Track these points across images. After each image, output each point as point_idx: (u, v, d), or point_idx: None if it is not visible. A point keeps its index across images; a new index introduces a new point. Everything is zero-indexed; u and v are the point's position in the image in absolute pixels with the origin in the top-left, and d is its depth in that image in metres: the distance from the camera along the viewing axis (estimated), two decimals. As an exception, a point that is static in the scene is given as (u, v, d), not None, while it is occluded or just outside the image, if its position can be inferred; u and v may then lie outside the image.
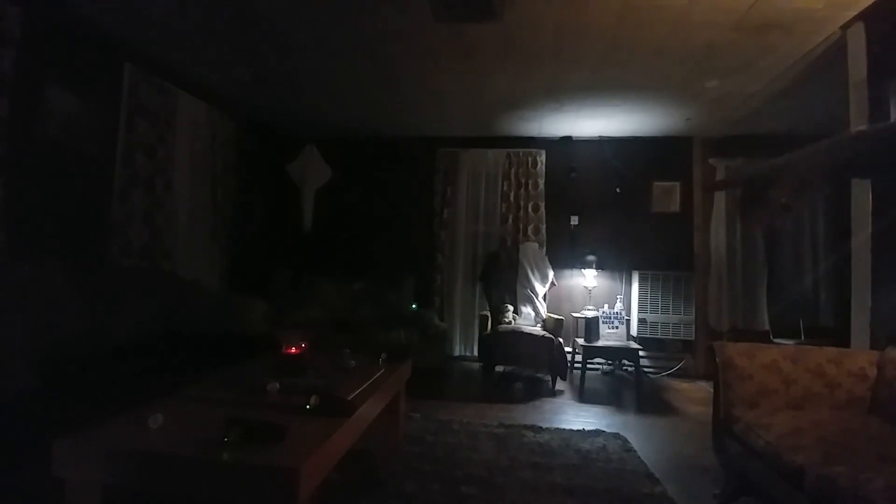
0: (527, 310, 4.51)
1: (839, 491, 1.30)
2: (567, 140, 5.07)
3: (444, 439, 2.74)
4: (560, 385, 4.09)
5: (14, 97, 2.47)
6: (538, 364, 4.07)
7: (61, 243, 2.85)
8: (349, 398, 1.65)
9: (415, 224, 5.23)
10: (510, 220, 5.04)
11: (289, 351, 1.98)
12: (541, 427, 3.00)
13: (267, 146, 5.15)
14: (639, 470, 2.41)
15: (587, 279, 4.71)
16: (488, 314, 4.48)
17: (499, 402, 3.63)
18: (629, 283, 4.94)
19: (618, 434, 2.93)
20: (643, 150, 4.97)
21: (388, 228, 5.29)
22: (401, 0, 2.61)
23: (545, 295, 4.65)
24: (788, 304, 4.57)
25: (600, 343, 4.12)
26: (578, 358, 4.28)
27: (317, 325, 3.97)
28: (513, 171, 5.08)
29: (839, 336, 3.22)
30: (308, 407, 1.51)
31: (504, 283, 4.62)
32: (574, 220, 5.07)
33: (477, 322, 4.66)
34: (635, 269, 4.88)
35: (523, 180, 5.06)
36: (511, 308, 4.46)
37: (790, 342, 4.21)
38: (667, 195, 4.96)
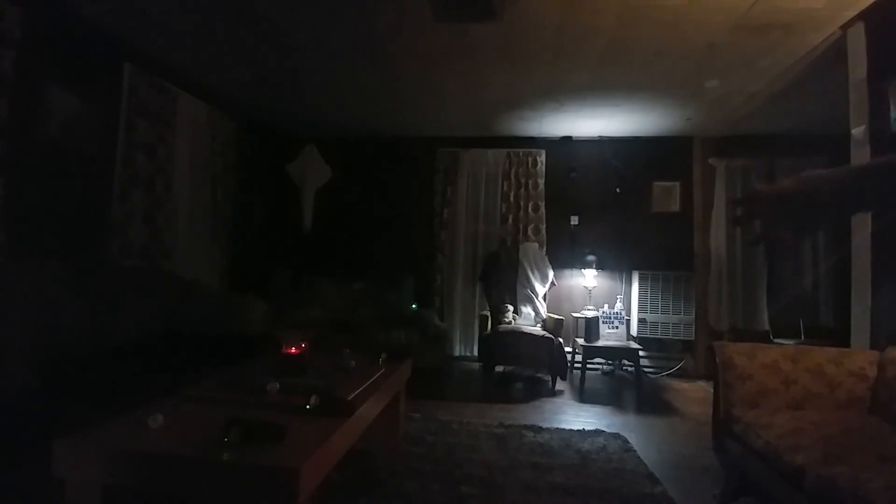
0: (527, 310, 4.51)
1: (839, 491, 1.30)
2: (567, 140, 5.07)
3: (444, 439, 2.74)
4: (560, 385, 4.09)
5: (14, 97, 2.47)
6: (538, 364, 4.07)
7: (61, 243, 2.85)
8: (349, 398, 1.65)
9: (415, 224, 5.23)
10: (510, 220, 5.04)
11: (289, 351, 1.98)
12: (541, 427, 3.00)
13: (267, 146, 5.15)
14: (639, 470, 2.41)
15: (587, 279, 4.71)
16: (488, 314, 4.49)
17: (499, 402, 3.63)
18: (629, 283, 4.94)
19: (618, 434, 2.93)
20: (643, 150, 4.97)
21: (388, 228, 5.29)
22: (401, 0, 2.61)
23: (545, 295, 4.65)
24: (788, 304, 4.58)
25: (600, 343, 4.12)
26: (578, 358, 4.28)
27: (317, 325, 3.96)
28: (513, 171, 5.08)
29: (839, 336, 3.23)
30: (308, 407, 1.51)
31: (504, 283, 4.62)
32: (574, 220, 5.07)
33: (477, 322, 4.66)
34: (635, 269, 4.88)
35: (523, 180, 5.06)
36: (511, 308, 4.46)
37: (790, 342, 4.21)
38: (667, 195, 4.96)
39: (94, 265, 2.99)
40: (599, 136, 5.00)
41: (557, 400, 3.76)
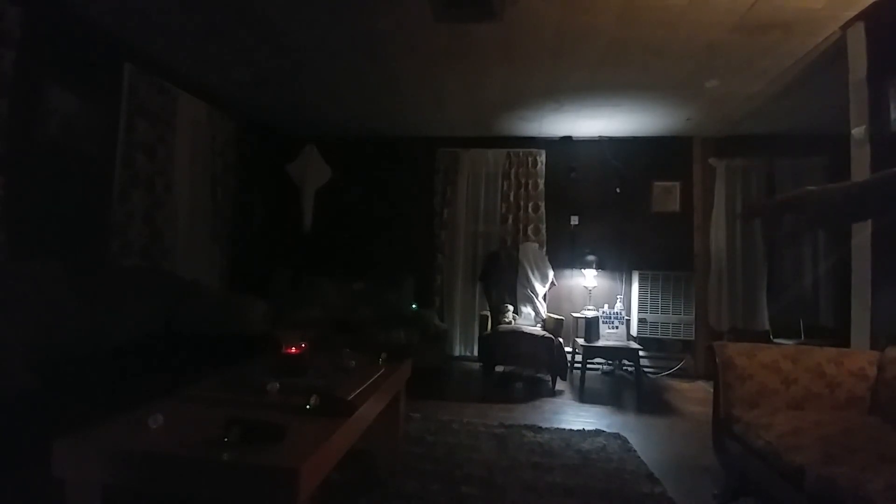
0: (527, 310, 4.51)
1: (839, 491, 1.30)
2: (567, 140, 5.07)
3: (444, 439, 2.74)
4: (560, 385, 4.09)
5: (14, 97, 2.47)
6: (538, 364, 4.07)
7: (61, 243, 2.85)
8: (349, 398, 1.65)
9: (415, 224, 5.23)
10: (510, 220, 5.04)
11: (289, 351, 1.97)
12: (541, 427, 3.00)
13: (267, 146, 5.15)
14: (639, 470, 2.41)
15: (587, 279, 4.71)
16: (488, 314, 4.49)
17: (499, 402, 3.63)
18: (629, 283, 4.94)
19: (618, 434, 2.93)
20: (643, 150, 4.97)
21: (388, 228, 5.29)
22: (401, 0, 2.61)
23: (545, 295, 4.65)
24: (788, 304, 4.58)
25: (600, 343, 4.12)
26: (578, 358, 4.28)
27: (317, 325, 3.97)
28: (513, 171, 5.08)
29: (839, 336, 3.22)
30: (308, 407, 1.51)
31: (504, 283, 4.62)
32: (574, 220, 5.07)
33: (477, 322, 4.66)
34: (635, 269, 4.88)
35: (523, 180, 5.06)
36: (511, 308, 4.46)
37: (790, 342, 4.21)
38: (667, 195, 4.96)
39: (94, 265, 2.99)
40: (599, 136, 5.00)
41: (557, 400, 3.76)
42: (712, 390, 2.18)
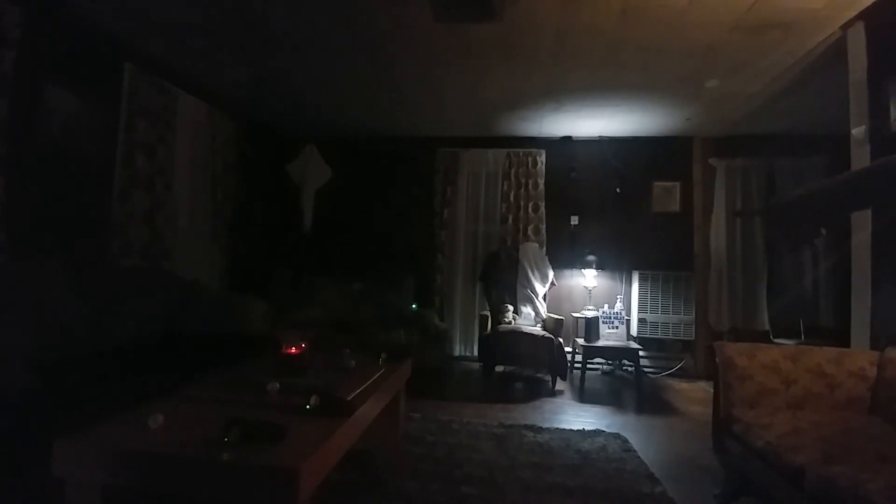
0: (527, 310, 4.51)
1: (839, 491, 1.30)
2: (567, 140, 5.07)
3: (444, 439, 2.74)
4: (560, 385, 4.09)
5: (14, 97, 2.47)
6: (538, 364, 4.07)
7: (61, 243, 2.85)
8: (349, 398, 1.65)
9: (415, 224, 5.23)
10: (510, 220, 5.04)
11: (289, 351, 1.97)
12: (541, 427, 3.00)
13: (267, 146, 5.15)
14: (639, 470, 2.41)
15: (587, 279, 4.71)
16: (488, 314, 4.49)
17: (499, 402, 3.63)
18: (629, 283, 4.94)
19: (618, 434, 2.93)
20: (643, 150, 4.97)
21: (388, 228, 5.29)
22: (401, 0, 2.61)
23: (545, 295, 4.65)
24: (788, 304, 4.58)
25: (600, 343, 4.12)
26: (578, 358, 4.28)
27: (317, 325, 3.96)
28: (513, 171, 5.08)
29: (839, 336, 3.22)
30: (308, 407, 1.51)
31: (504, 283, 4.62)
32: (574, 220, 5.07)
33: (477, 322, 4.66)
34: (635, 269, 4.88)
35: (523, 180, 5.06)
36: (511, 308, 4.46)
37: (790, 342, 4.21)
38: (667, 195, 4.96)
39: (94, 265, 2.99)
40: (599, 136, 5.00)
41: (557, 400, 3.76)
42: (712, 390, 2.18)
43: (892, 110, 2.31)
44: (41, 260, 2.55)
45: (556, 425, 3.08)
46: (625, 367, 4.69)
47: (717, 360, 2.10)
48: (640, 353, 4.04)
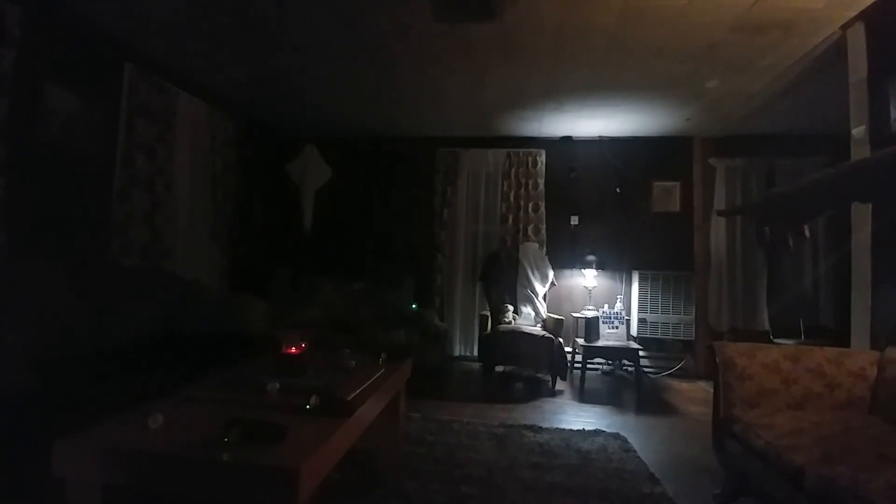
0: (527, 310, 4.51)
1: (839, 491, 1.30)
2: (567, 140, 5.07)
3: (444, 439, 2.74)
4: (560, 385, 4.09)
5: (14, 97, 2.47)
6: (538, 364, 4.07)
7: (61, 243, 2.85)
8: (349, 398, 1.65)
9: (415, 224, 5.23)
10: (510, 220, 5.04)
11: (289, 351, 1.97)
12: (541, 427, 3.00)
13: (267, 146, 5.15)
14: (639, 470, 2.41)
15: (587, 279, 4.71)
16: (488, 314, 4.49)
17: (499, 402, 3.63)
18: (629, 283, 4.94)
19: (618, 434, 2.93)
20: (643, 150, 4.97)
21: (388, 228, 5.29)
22: (401, 0, 2.61)
23: (545, 295, 4.65)
24: (788, 304, 4.58)
25: (600, 343, 4.12)
26: (578, 358, 4.28)
27: (317, 325, 3.96)
28: (513, 171, 5.08)
29: (839, 336, 3.23)
30: (308, 407, 1.51)
31: (504, 283, 4.62)
32: (574, 220, 5.07)
33: (477, 322, 4.66)
34: (635, 269, 4.88)
35: (523, 180, 5.06)
36: (511, 308, 4.46)
37: (790, 342, 4.21)
38: (667, 195, 4.96)
39: (94, 265, 2.99)
40: (599, 136, 5.00)
41: (557, 400, 3.76)
42: (712, 390, 2.18)
43: (892, 110, 2.31)
44: (41, 260, 2.55)
45: (556, 425, 3.08)
46: (625, 367, 4.69)
47: (717, 360, 2.10)
48: (640, 353, 4.04)
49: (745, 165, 4.79)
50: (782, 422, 1.76)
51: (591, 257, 4.71)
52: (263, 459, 1.18)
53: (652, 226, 4.96)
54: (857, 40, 2.57)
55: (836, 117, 2.79)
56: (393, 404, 2.21)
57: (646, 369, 4.62)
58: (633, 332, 4.74)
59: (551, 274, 4.69)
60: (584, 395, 3.89)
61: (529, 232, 5.00)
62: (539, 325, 4.39)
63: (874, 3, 2.45)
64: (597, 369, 4.71)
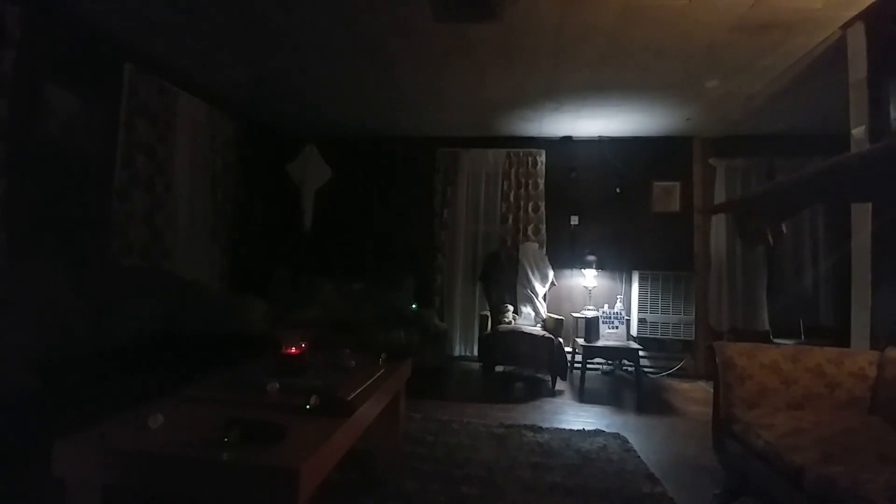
0: (527, 310, 4.51)
1: (839, 491, 1.30)
2: (567, 140, 5.07)
3: (444, 439, 2.74)
4: (560, 385, 4.09)
5: (14, 97, 2.47)
6: (538, 364, 4.07)
7: (61, 243, 2.85)
8: (349, 398, 1.65)
9: (415, 224, 5.23)
10: (510, 220, 5.04)
11: (289, 351, 1.97)
12: (541, 427, 3.00)
13: (267, 146, 5.15)
14: (639, 470, 2.41)
15: (587, 279, 4.71)
16: (488, 314, 4.49)
17: (499, 402, 3.63)
18: (629, 283, 4.94)
19: (618, 434, 2.93)
20: (643, 150, 4.97)
21: (388, 228, 5.29)
22: (401, 0, 2.61)
23: (545, 295, 4.65)
24: (788, 304, 4.58)
25: (600, 343, 4.12)
26: (578, 358, 4.28)
27: (317, 325, 3.96)
28: (513, 171, 5.08)
29: (839, 336, 3.22)
30: (308, 407, 1.51)
31: (504, 283, 4.62)
32: (574, 220, 5.07)
33: (477, 322, 4.66)
34: (635, 269, 4.88)
35: (523, 180, 5.06)
36: (511, 308, 4.46)
37: (790, 342, 4.21)
38: (667, 195, 4.96)
39: (94, 265, 2.99)
40: (599, 136, 5.00)
41: (557, 400, 3.76)
42: (712, 390, 2.18)
43: (892, 110, 2.31)
44: (41, 260, 2.55)
45: (556, 425, 3.08)
46: (625, 367, 4.69)
47: (717, 360, 2.10)
48: (640, 353, 4.04)
49: (745, 165, 4.78)
50: (782, 422, 1.76)
51: (591, 257, 4.71)
52: (263, 459, 1.18)
53: (652, 226, 4.96)
54: (857, 40, 2.57)
55: (836, 117, 2.79)
56: (393, 404, 2.21)
57: (646, 369, 4.62)
58: (633, 332, 4.74)
59: (551, 274, 4.69)
60: (584, 395, 3.89)
61: (529, 232, 5.00)
62: (539, 325, 4.39)
63: (874, 3, 2.45)
64: (597, 369, 4.71)
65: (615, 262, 4.93)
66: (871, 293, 2.46)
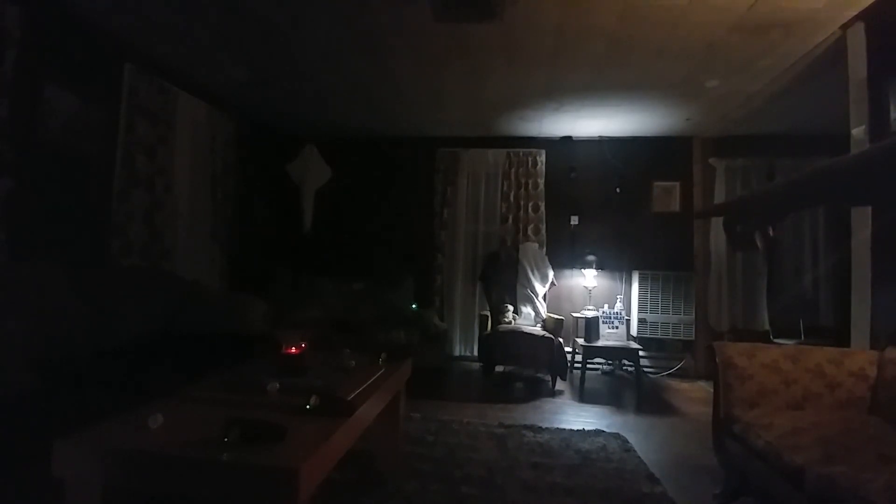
0: (527, 310, 4.51)
1: (839, 491, 1.30)
2: (567, 140, 5.07)
3: (444, 439, 2.74)
4: (560, 385, 4.09)
5: (14, 97, 2.47)
6: (538, 364, 4.07)
7: (61, 243, 2.85)
8: (349, 398, 1.65)
9: (415, 224, 5.23)
10: (510, 220, 5.04)
11: (289, 351, 1.98)
12: (541, 427, 3.00)
13: (267, 146, 5.15)
14: (639, 470, 2.41)
15: (587, 279, 4.71)
16: (488, 314, 4.49)
17: (499, 402, 3.63)
18: (629, 283, 4.94)
19: (618, 434, 2.93)
20: (643, 150, 4.97)
21: (388, 228, 5.29)
22: (401, 0, 2.61)
23: (545, 295, 4.65)
24: (788, 304, 4.58)
25: (600, 343, 4.12)
26: (578, 358, 4.28)
27: (317, 325, 3.97)
28: (513, 171, 5.08)
29: (839, 336, 3.23)
30: (308, 407, 1.51)
31: (504, 283, 4.62)
32: (574, 220, 5.07)
33: (477, 322, 4.66)
34: (635, 269, 4.88)
35: (523, 180, 5.06)
36: (511, 308, 4.46)
37: (790, 342, 4.21)
38: (667, 195, 4.96)
39: (94, 265, 2.99)
40: (599, 136, 5.00)
41: (557, 400, 3.76)
42: (712, 390, 2.18)
43: (892, 110, 2.31)
44: (41, 260, 2.55)
45: (556, 425, 3.08)
46: (625, 367, 4.69)
47: (717, 360, 2.10)
48: (640, 353, 4.04)
49: (745, 165, 4.78)
50: (782, 422, 1.76)
51: (591, 257, 4.71)
52: (263, 459, 1.19)
53: (652, 226, 4.96)
54: (857, 40, 2.57)
55: (836, 117, 2.79)
56: (393, 404, 2.21)
57: (646, 369, 4.62)
58: (633, 332, 4.74)
59: (551, 274, 4.69)
60: (584, 395, 3.89)
61: (529, 232, 5.00)
62: (539, 325, 4.39)
63: (874, 3, 2.45)
64: (597, 369, 4.71)
65: (615, 262, 4.93)
66: (870, 293, 2.45)
